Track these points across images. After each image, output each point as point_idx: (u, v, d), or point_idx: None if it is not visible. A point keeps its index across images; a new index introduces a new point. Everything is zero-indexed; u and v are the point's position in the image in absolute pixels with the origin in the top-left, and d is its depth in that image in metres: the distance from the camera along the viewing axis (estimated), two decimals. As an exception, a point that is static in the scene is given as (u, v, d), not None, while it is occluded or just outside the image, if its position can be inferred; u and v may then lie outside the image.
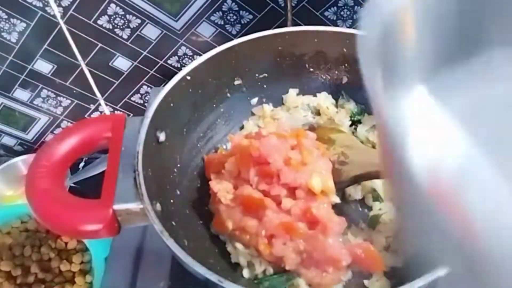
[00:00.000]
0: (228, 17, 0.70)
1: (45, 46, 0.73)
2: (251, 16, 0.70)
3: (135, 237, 0.69)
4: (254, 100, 0.71)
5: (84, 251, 0.73)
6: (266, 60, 0.68)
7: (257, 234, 0.51)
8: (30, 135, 0.88)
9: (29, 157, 0.85)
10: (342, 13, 0.70)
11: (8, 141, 0.89)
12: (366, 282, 0.54)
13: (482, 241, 0.21)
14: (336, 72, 0.70)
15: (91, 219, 0.48)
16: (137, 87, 0.81)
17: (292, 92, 0.70)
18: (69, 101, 0.82)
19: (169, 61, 0.76)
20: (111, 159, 0.52)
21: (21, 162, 0.86)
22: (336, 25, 0.72)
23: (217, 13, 0.70)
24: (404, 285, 0.41)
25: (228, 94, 0.69)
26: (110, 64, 0.76)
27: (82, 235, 0.57)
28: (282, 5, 0.69)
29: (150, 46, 0.74)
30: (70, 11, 0.68)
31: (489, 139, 0.26)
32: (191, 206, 0.62)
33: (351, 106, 0.69)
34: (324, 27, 0.66)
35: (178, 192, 0.60)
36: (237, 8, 0.69)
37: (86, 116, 0.85)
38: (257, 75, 0.69)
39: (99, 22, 0.70)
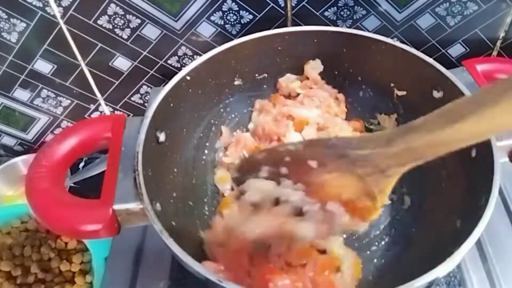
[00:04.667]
0: (228, 17, 0.70)
1: (45, 46, 0.73)
2: (251, 16, 0.70)
3: (135, 237, 0.69)
4: (254, 100, 0.71)
5: (84, 251, 0.73)
6: (266, 60, 0.68)
7: None
8: (30, 135, 0.88)
9: (29, 157, 0.85)
10: (342, 13, 0.70)
11: (8, 141, 0.89)
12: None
13: None
14: (336, 72, 0.70)
15: (91, 219, 0.48)
16: (137, 87, 0.81)
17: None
18: (69, 101, 0.82)
19: (169, 61, 0.76)
20: (111, 159, 0.52)
21: (21, 162, 0.86)
22: (336, 25, 0.72)
23: (217, 13, 0.70)
24: (403, 285, 0.41)
25: (228, 94, 0.69)
26: (110, 64, 0.76)
27: (82, 235, 0.57)
28: (282, 5, 0.69)
29: (150, 46, 0.74)
30: (70, 11, 0.68)
31: None
32: (191, 206, 0.62)
33: None
34: (324, 27, 0.66)
35: (178, 192, 0.60)
36: (237, 8, 0.69)
37: (86, 116, 0.85)
38: (257, 75, 0.69)
39: (99, 22, 0.70)
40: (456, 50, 0.75)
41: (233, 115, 0.71)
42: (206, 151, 0.68)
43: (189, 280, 0.63)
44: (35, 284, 0.69)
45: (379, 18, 0.71)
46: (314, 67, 0.69)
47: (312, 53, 0.68)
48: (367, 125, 0.69)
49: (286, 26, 0.71)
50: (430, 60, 0.60)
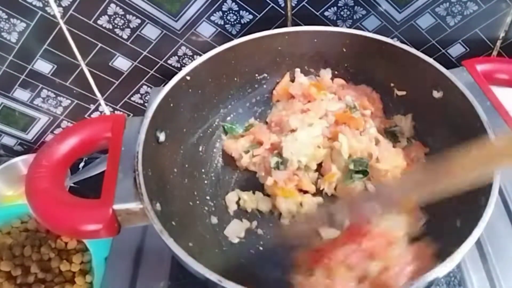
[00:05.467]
0: (228, 17, 0.70)
1: (45, 46, 0.73)
2: (251, 16, 0.70)
3: (135, 237, 0.69)
4: (254, 100, 0.71)
5: (84, 251, 0.73)
6: (266, 60, 0.68)
7: None
8: (30, 135, 0.88)
9: (29, 157, 0.85)
10: (342, 13, 0.70)
11: (8, 141, 0.89)
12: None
13: None
14: (336, 72, 0.70)
15: (91, 219, 0.48)
16: (137, 87, 0.81)
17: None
18: (69, 101, 0.82)
19: (169, 61, 0.76)
20: (111, 159, 0.52)
21: (21, 162, 0.85)
22: (336, 25, 0.72)
23: (217, 13, 0.70)
24: (403, 285, 0.41)
25: (228, 94, 0.69)
26: (110, 64, 0.76)
27: (82, 235, 0.57)
28: (282, 5, 0.69)
29: (150, 46, 0.74)
30: (70, 11, 0.68)
31: None
32: (191, 205, 0.62)
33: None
34: (324, 27, 0.66)
35: (178, 192, 0.60)
36: (237, 8, 0.69)
37: (86, 116, 0.85)
38: (257, 75, 0.69)
39: (99, 22, 0.70)
40: (456, 50, 0.75)
41: (232, 115, 0.70)
42: (206, 151, 0.68)
43: (189, 280, 0.63)
44: (35, 284, 0.69)
45: (379, 18, 0.71)
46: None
47: (312, 53, 0.68)
48: (387, 128, 0.68)
49: (286, 26, 0.71)
50: (430, 60, 0.60)
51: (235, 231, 0.62)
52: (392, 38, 0.70)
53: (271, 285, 0.56)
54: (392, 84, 0.66)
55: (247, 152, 0.66)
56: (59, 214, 0.48)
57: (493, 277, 0.62)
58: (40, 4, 0.67)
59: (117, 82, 0.79)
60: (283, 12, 0.70)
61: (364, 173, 0.61)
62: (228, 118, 0.70)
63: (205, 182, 0.66)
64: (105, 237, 0.48)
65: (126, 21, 0.70)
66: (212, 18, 0.70)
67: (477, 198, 0.48)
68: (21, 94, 0.80)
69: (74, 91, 0.80)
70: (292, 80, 0.70)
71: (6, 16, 0.69)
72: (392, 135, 0.67)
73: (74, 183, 0.82)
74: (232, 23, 0.71)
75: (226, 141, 0.69)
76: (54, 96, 0.81)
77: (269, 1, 0.68)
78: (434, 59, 0.60)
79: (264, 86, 0.71)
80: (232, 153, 0.68)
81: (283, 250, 0.58)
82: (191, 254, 0.44)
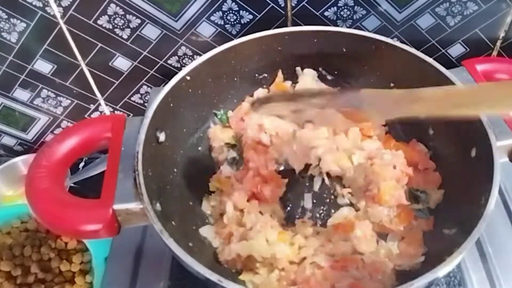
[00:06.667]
0: (228, 17, 0.70)
1: (45, 46, 0.73)
2: (251, 16, 0.70)
3: (135, 237, 0.69)
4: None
5: (84, 251, 0.73)
6: (266, 60, 0.68)
7: None
8: (30, 135, 0.88)
9: (29, 157, 0.85)
10: (342, 13, 0.70)
11: (8, 141, 0.89)
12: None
13: None
14: (336, 72, 0.70)
15: (91, 219, 0.48)
16: (137, 87, 0.81)
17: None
18: (69, 101, 0.82)
19: (169, 61, 0.76)
20: (111, 159, 0.52)
21: (21, 162, 0.86)
22: (336, 25, 0.72)
23: (217, 13, 0.70)
24: (403, 285, 0.41)
25: (228, 95, 0.69)
26: (110, 64, 0.76)
27: (82, 235, 0.57)
28: (282, 5, 0.69)
29: (150, 46, 0.74)
30: (70, 11, 0.68)
31: None
32: (191, 205, 0.62)
33: None
34: (324, 27, 0.66)
35: (178, 192, 0.60)
36: (237, 8, 0.69)
37: (86, 116, 0.85)
38: (257, 75, 0.69)
39: (99, 22, 0.70)
40: (456, 50, 0.75)
41: (233, 115, 0.70)
42: (206, 151, 0.68)
43: (189, 280, 0.63)
44: (35, 284, 0.69)
45: (379, 18, 0.71)
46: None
47: (312, 53, 0.68)
48: (413, 189, 0.62)
49: (286, 26, 0.71)
50: (430, 60, 0.60)
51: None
52: (392, 38, 0.70)
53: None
54: (392, 84, 0.66)
55: (230, 146, 0.66)
56: (59, 214, 0.48)
57: (493, 277, 0.62)
58: (40, 4, 0.67)
59: (117, 82, 0.79)
60: (283, 12, 0.70)
61: None
62: (227, 117, 0.70)
63: (205, 182, 0.66)
64: (105, 237, 0.48)
65: (126, 21, 0.70)
66: (212, 18, 0.70)
67: (477, 198, 0.48)
68: (21, 94, 0.80)
69: (74, 91, 0.80)
70: (286, 78, 0.70)
71: (6, 16, 0.69)
72: (414, 198, 0.61)
73: (74, 183, 0.82)
74: (232, 23, 0.71)
75: (213, 127, 0.67)
76: (54, 96, 0.81)
77: (269, 1, 0.68)
78: (434, 59, 0.60)
79: (264, 86, 0.71)
80: (213, 143, 0.66)
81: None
82: (191, 254, 0.44)
